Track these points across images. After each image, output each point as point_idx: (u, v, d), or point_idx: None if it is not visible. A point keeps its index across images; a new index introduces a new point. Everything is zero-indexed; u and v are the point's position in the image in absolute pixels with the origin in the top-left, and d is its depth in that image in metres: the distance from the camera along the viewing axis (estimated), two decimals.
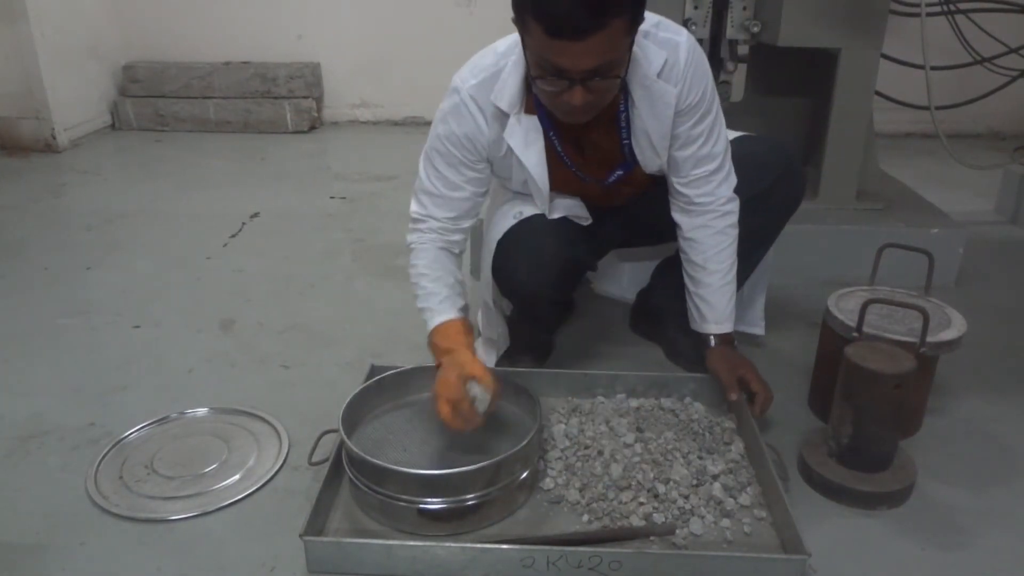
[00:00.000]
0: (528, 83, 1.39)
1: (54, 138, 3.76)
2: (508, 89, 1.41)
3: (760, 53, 2.30)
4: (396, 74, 4.30)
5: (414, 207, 1.56)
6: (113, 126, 4.24)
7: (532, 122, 1.45)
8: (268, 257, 2.55)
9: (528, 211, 1.57)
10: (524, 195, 1.59)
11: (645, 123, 1.46)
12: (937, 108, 2.32)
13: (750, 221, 1.62)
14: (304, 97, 4.18)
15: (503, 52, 1.43)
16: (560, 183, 1.55)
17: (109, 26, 4.19)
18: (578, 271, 1.66)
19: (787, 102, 2.58)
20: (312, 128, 4.25)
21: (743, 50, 2.23)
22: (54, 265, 2.48)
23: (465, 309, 1.53)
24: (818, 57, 2.32)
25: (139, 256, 2.55)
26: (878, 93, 2.74)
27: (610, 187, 1.60)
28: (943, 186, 3.01)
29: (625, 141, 1.50)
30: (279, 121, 4.17)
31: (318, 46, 4.27)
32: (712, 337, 1.64)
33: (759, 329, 1.89)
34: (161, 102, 4.18)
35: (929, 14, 2.19)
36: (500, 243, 1.56)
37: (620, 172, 1.56)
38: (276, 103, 4.16)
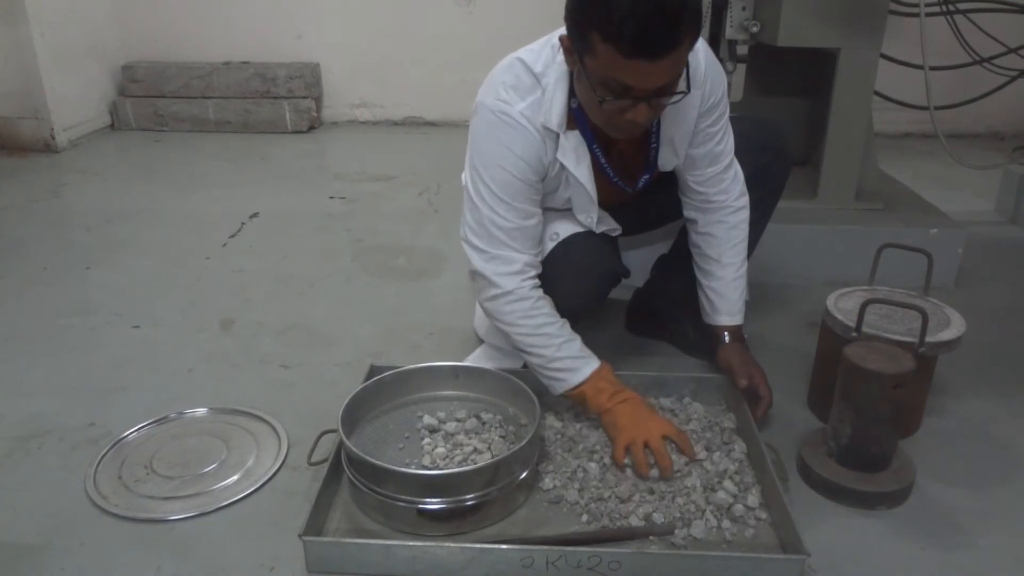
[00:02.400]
0: (568, 100, 1.39)
1: (53, 138, 3.76)
2: (556, 109, 1.39)
3: (759, 53, 2.30)
4: (396, 74, 4.30)
5: (482, 245, 1.44)
6: (112, 126, 4.24)
7: (577, 138, 1.44)
8: (268, 257, 2.55)
9: (563, 230, 1.56)
10: (556, 212, 1.58)
11: (671, 129, 1.48)
12: (936, 108, 2.31)
13: (750, 197, 1.65)
14: (303, 97, 4.19)
15: (541, 72, 1.39)
16: (602, 195, 1.54)
17: (109, 26, 4.19)
18: (617, 281, 1.68)
19: (786, 102, 2.58)
20: (312, 128, 4.25)
21: (742, 50, 2.24)
22: (54, 265, 2.48)
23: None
24: (817, 57, 2.32)
25: (139, 256, 2.55)
26: (877, 93, 2.74)
27: (638, 192, 1.62)
28: (942, 186, 3.01)
29: (653, 145, 1.52)
30: (278, 121, 4.17)
31: (318, 46, 4.27)
32: (725, 332, 1.66)
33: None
34: (160, 102, 4.18)
35: (928, 14, 2.18)
36: (544, 265, 1.52)
37: (646, 176, 1.58)
38: (275, 103, 4.16)
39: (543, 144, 1.42)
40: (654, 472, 1.40)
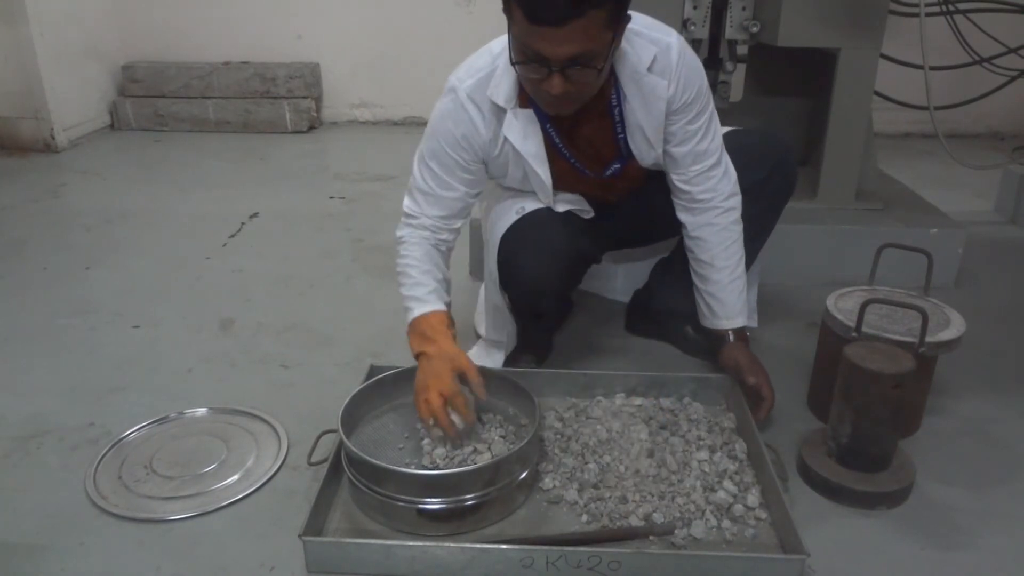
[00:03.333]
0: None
1: (53, 138, 3.76)
2: (504, 85, 1.44)
3: (759, 53, 2.30)
4: (396, 74, 4.30)
5: (407, 203, 1.57)
6: (112, 126, 4.24)
7: (528, 115, 1.47)
8: (267, 257, 2.55)
9: (530, 206, 1.58)
10: (523, 192, 1.61)
11: (638, 116, 1.49)
12: (936, 108, 2.32)
13: (749, 210, 1.64)
14: (303, 97, 4.19)
15: (498, 52, 1.45)
16: (559, 176, 1.56)
17: (108, 26, 4.19)
18: (584, 263, 1.68)
19: (786, 102, 2.58)
20: (311, 128, 4.25)
21: (742, 50, 2.24)
22: (54, 265, 2.48)
23: (449, 306, 1.54)
24: (817, 57, 2.32)
25: (138, 256, 2.55)
26: (877, 93, 2.74)
27: (607, 180, 1.62)
28: (942, 186, 3.02)
29: (620, 135, 1.53)
30: (278, 121, 4.17)
31: (317, 46, 4.27)
32: (730, 333, 1.66)
33: (752, 322, 1.90)
34: (160, 102, 4.18)
35: (928, 14, 2.18)
36: (504, 238, 1.57)
37: (617, 166, 1.59)
38: (275, 103, 4.16)
39: (480, 122, 1.47)
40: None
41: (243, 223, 2.85)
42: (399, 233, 1.58)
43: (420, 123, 4.37)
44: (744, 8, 2.16)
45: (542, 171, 1.52)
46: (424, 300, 1.50)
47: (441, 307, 1.50)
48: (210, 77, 4.17)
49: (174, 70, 4.17)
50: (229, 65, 4.21)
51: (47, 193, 3.20)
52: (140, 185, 3.37)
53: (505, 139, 1.48)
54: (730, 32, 2.18)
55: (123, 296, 2.25)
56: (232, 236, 2.73)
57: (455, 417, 1.39)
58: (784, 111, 2.57)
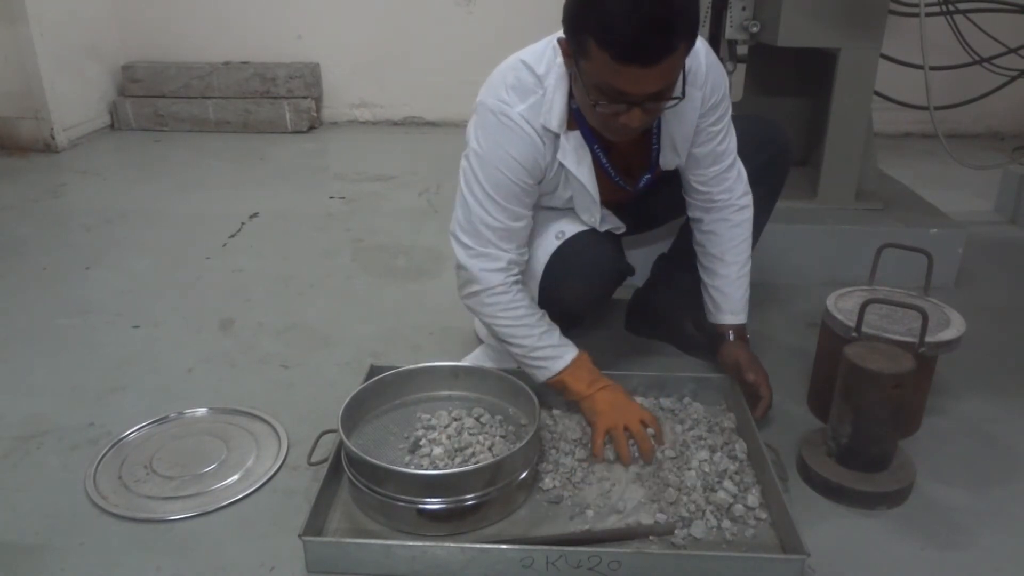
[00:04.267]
0: (569, 101, 1.39)
1: (53, 138, 3.76)
2: (556, 110, 1.39)
3: (759, 53, 2.30)
4: (396, 74, 4.30)
5: (470, 242, 1.45)
6: (112, 126, 4.25)
7: (578, 139, 1.45)
8: (267, 257, 2.55)
9: (568, 229, 1.57)
10: (559, 211, 1.59)
11: (672, 128, 1.49)
12: (936, 108, 2.31)
13: (752, 195, 1.65)
14: (303, 97, 4.19)
15: (543, 73, 1.40)
16: (602, 193, 1.55)
17: (108, 26, 4.19)
18: (623, 279, 1.69)
19: (786, 102, 2.58)
20: (311, 128, 4.25)
21: (742, 50, 2.24)
22: (54, 265, 2.48)
23: None
24: (817, 57, 2.32)
25: (138, 256, 2.55)
26: (877, 93, 2.74)
27: (639, 191, 1.62)
28: (942, 186, 3.01)
29: (655, 146, 1.52)
30: (278, 121, 4.17)
31: (317, 46, 4.27)
32: (729, 331, 1.67)
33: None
34: (160, 102, 4.18)
35: (928, 14, 2.18)
36: (550, 265, 1.54)
37: (648, 176, 1.59)
38: (275, 103, 4.16)
39: (541, 147, 1.42)
40: (634, 452, 1.45)
41: (243, 223, 2.85)
42: (482, 286, 1.46)
43: (420, 123, 4.37)
44: (744, 8, 2.16)
45: (595, 192, 1.51)
46: (567, 345, 1.51)
47: (578, 349, 1.52)
48: (210, 77, 4.17)
49: (174, 70, 4.17)
50: (229, 65, 4.21)
51: (47, 193, 3.20)
52: (140, 185, 3.37)
53: (560, 163, 1.46)
54: (730, 32, 2.18)
55: (123, 296, 2.25)
56: (232, 236, 2.73)
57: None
58: (784, 111, 2.57)
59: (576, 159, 1.45)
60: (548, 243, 1.56)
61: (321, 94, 4.34)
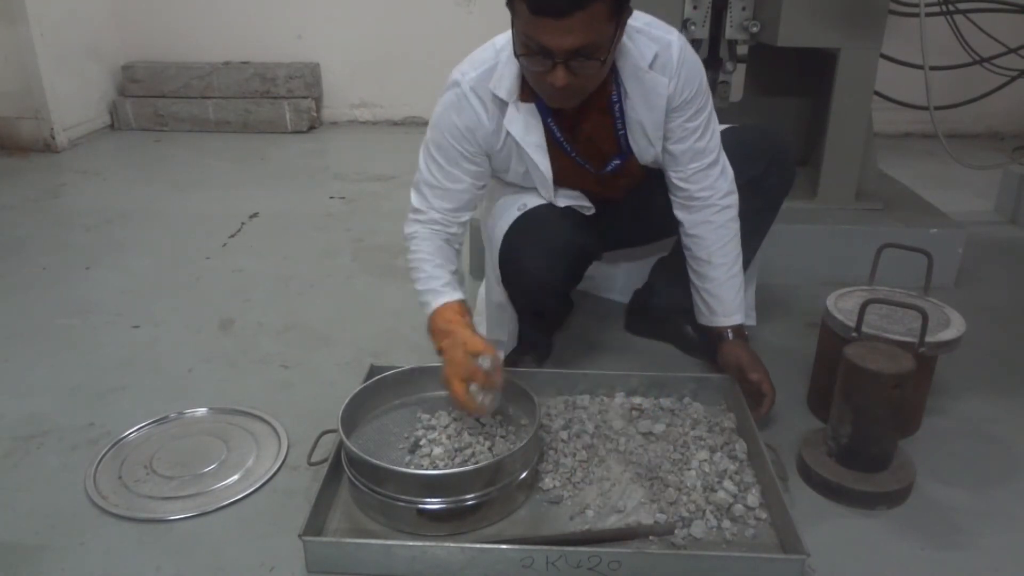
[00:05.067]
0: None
1: (53, 138, 3.76)
2: (506, 78, 1.45)
3: (759, 53, 2.30)
4: (396, 74, 4.30)
5: (414, 199, 1.57)
6: (112, 126, 4.25)
7: (530, 109, 1.48)
8: (267, 257, 2.55)
9: (531, 202, 1.59)
10: (524, 187, 1.61)
11: (639, 113, 1.50)
12: (936, 108, 2.31)
13: (747, 206, 1.65)
14: (303, 97, 4.19)
15: (501, 46, 1.46)
16: (560, 172, 1.56)
17: (108, 26, 4.19)
18: (586, 259, 1.68)
19: (786, 102, 2.58)
20: (311, 128, 4.25)
21: (742, 50, 2.24)
22: (54, 265, 2.48)
23: (464, 296, 1.53)
24: (817, 57, 2.32)
25: (139, 256, 2.56)
26: (877, 93, 2.74)
27: (607, 176, 1.62)
28: (942, 186, 3.02)
29: (620, 131, 1.54)
30: (278, 121, 4.17)
31: (317, 46, 4.27)
32: (728, 330, 1.66)
33: (750, 320, 1.91)
34: (160, 102, 4.18)
35: (928, 14, 2.18)
36: (508, 234, 1.57)
37: (616, 162, 1.59)
38: (275, 103, 4.16)
39: (483, 113, 1.48)
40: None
41: (243, 223, 2.85)
42: (408, 230, 1.57)
43: (420, 123, 4.37)
44: (744, 8, 2.16)
45: (543, 164, 1.52)
46: (440, 292, 1.51)
47: (457, 296, 1.51)
48: (210, 77, 4.17)
49: (174, 70, 4.17)
50: (229, 65, 4.21)
51: (47, 193, 3.20)
52: (140, 185, 3.37)
53: (507, 132, 1.49)
54: (730, 32, 2.18)
55: (123, 296, 2.25)
56: (232, 236, 2.73)
57: (481, 396, 1.38)
58: (784, 111, 2.57)
59: (524, 127, 1.48)
60: (510, 214, 1.59)
61: (321, 94, 4.34)
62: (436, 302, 1.49)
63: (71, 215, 2.99)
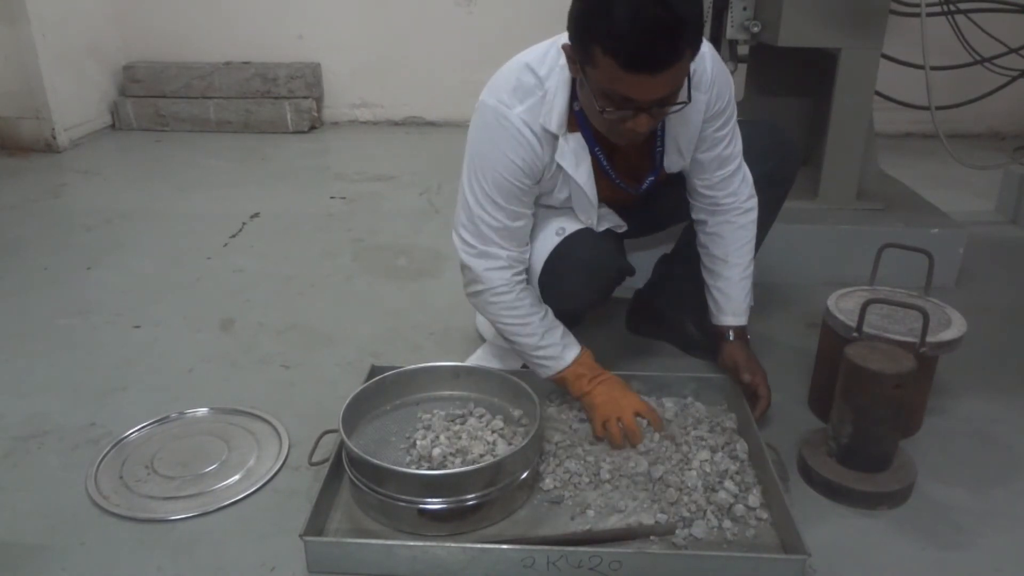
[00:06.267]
0: (571, 103, 1.40)
1: (54, 138, 3.76)
2: (556, 111, 1.39)
3: (760, 53, 2.30)
4: (396, 74, 4.30)
5: (472, 240, 1.48)
6: (113, 126, 4.25)
7: (578, 140, 1.45)
8: (268, 257, 2.55)
9: (569, 226, 1.57)
10: (559, 209, 1.59)
11: (676, 130, 1.49)
12: (937, 108, 2.31)
13: (759, 199, 1.65)
14: (304, 97, 4.19)
15: (544, 75, 1.40)
16: (601, 194, 1.55)
17: (109, 26, 4.19)
18: (623, 278, 1.69)
19: (787, 102, 2.58)
20: (312, 128, 4.25)
21: (743, 50, 2.24)
22: (54, 265, 2.48)
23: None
24: (818, 57, 2.32)
25: (139, 256, 2.56)
26: (878, 93, 2.74)
27: (642, 193, 1.62)
28: (943, 186, 3.01)
29: (659, 149, 1.53)
30: (279, 121, 4.17)
31: (318, 46, 4.27)
32: (730, 331, 1.67)
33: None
34: (161, 102, 4.18)
35: (929, 14, 2.18)
36: (549, 260, 1.55)
37: (651, 178, 1.58)
38: (276, 103, 4.16)
39: (538, 149, 1.42)
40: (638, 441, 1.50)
41: (244, 223, 2.85)
42: (485, 285, 1.49)
43: (420, 123, 4.37)
44: (745, 8, 2.16)
45: (591, 192, 1.51)
46: (569, 343, 1.55)
47: (582, 347, 1.56)
48: (211, 77, 4.17)
49: (175, 70, 4.17)
50: (230, 65, 4.21)
51: (48, 193, 3.20)
52: (140, 185, 3.37)
53: (557, 164, 1.46)
54: (731, 32, 2.18)
55: (123, 296, 2.25)
56: (233, 236, 2.73)
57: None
58: (784, 111, 2.57)
59: (575, 161, 1.45)
60: (548, 240, 1.56)
61: (322, 94, 4.34)
62: (572, 351, 1.54)
63: (72, 215, 2.99)
